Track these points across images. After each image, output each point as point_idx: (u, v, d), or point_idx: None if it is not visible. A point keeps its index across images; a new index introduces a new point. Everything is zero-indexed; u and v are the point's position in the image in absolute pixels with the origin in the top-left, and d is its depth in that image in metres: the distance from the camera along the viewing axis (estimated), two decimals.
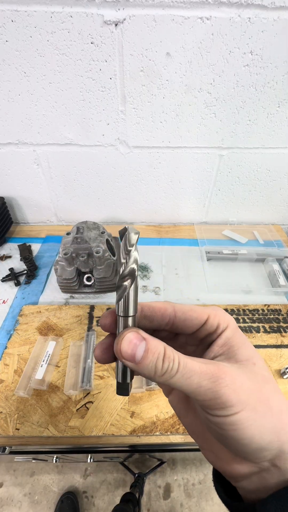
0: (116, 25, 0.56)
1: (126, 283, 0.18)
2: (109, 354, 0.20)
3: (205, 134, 0.73)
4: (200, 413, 0.20)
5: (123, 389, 0.20)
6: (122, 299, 0.18)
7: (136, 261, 0.18)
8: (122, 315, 0.19)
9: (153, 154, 0.77)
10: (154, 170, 0.81)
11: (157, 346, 0.17)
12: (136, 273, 0.18)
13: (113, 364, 0.60)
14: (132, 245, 0.18)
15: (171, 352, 0.17)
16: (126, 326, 0.19)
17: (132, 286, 0.18)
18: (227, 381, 0.17)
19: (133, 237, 0.18)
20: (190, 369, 0.17)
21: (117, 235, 0.83)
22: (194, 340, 0.22)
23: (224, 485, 0.21)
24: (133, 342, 0.17)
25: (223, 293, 0.74)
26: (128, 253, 0.18)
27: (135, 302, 0.19)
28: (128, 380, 0.20)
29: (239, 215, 0.94)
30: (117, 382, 0.20)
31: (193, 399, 0.19)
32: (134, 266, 0.18)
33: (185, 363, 0.17)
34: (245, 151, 0.77)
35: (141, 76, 0.63)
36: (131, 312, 0.19)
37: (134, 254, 0.18)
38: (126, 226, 0.19)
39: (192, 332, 0.21)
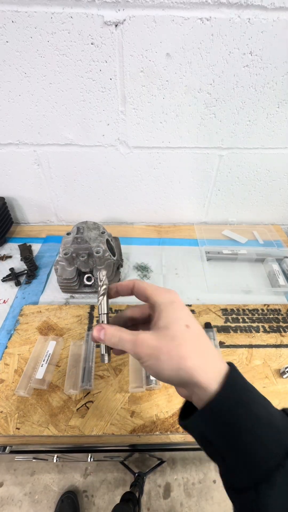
0: (116, 25, 0.56)
1: (100, 298, 0.33)
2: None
3: (205, 135, 0.73)
4: None
5: (102, 357, 0.32)
6: (99, 305, 0.32)
7: (105, 285, 0.33)
8: (100, 313, 0.32)
9: (153, 154, 0.77)
10: (154, 170, 0.81)
11: (111, 331, 0.29)
12: (105, 292, 0.33)
13: (114, 363, 0.60)
14: (101, 280, 0.34)
15: (116, 332, 0.29)
16: (103, 320, 0.32)
17: (104, 299, 0.33)
18: (138, 344, 0.27)
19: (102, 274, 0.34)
20: (123, 339, 0.28)
21: (117, 235, 0.83)
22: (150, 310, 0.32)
23: (183, 413, 0.29)
24: (97, 330, 0.30)
25: (223, 293, 0.75)
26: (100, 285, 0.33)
27: (106, 306, 0.32)
28: (104, 352, 0.32)
29: (239, 215, 0.95)
30: (100, 354, 0.32)
31: None
32: (104, 288, 0.33)
33: (121, 337, 0.28)
34: (244, 152, 0.77)
35: (141, 77, 0.63)
36: (104, 311, 0.32)
37: (103, 284, 0.33)
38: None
39: (146, 303, 0.32)
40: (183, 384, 0.26)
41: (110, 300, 0.33)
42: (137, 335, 0.27)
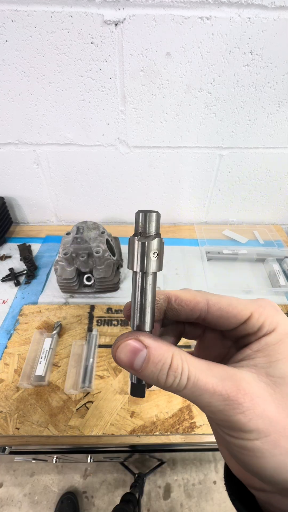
0: (116, 25, 0.56)
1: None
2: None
3: (205, 134, 0.73)
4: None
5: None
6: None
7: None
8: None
9: (153, 154, 0.77)
10: (154, 170, 0.80)
11: (161, 356, 0.15)
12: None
13: (114, 363, 0.59)
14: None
15: (180, 362, 0.15)
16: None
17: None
18: (245, 407, 0.14)
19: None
20: (201, 387, 0.14)
21: (117, 235, 0.83)
22: (230, 337, 0.19)
23: (238, 492, 0.19)
24: (130, 350, 0.15)
25: (223, 293, 0.74)
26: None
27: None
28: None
29: (239, 215, 0.94)
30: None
31: None
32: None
33: (196, 378, 0.14)
34: (245, 151, 0.77)
35: (141, 76, 0.63)
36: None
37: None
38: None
39: (228, 330, 0.18)
40: (283, 490, 0.15)
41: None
42: (236, 383, 0.15)
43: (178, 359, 0.15)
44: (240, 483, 0.18)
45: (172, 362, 0.15)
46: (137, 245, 0.16)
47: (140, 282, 0.16)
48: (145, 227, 0.16)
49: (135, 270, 0.16)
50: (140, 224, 0.16)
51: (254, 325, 0.17)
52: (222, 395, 0.14)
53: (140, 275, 0.16)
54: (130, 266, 0.16)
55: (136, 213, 0.17)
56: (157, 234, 0.16)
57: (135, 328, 0.17)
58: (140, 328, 0.17)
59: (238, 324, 0.17)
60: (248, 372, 0.15)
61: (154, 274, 0.16)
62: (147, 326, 0.17)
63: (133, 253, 0.16)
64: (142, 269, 0.16)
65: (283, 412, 0.14)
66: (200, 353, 0.18)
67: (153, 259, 0.16)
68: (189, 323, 0.20)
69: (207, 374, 0.15)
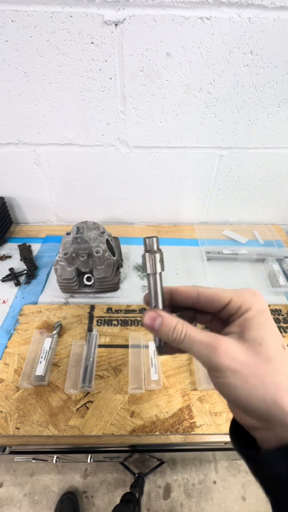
0: (116, 25, 0.56)
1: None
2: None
3: (205, 134, 0.73)
4: None
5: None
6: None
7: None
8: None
9: (153, 154, 0.77)
10: (154, 170, 0.81)
11: (170, 321, 0.23)
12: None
13: (114, 363, 0.60)
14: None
15: (181, 326, 0.23)
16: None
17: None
18: (220, 351, 0.21)
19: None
20: (193, 340, 0.22)
21: (117, 235, 0.83)
22: (221, 317, 0.25)
23: (239, 436, 0.24)
24: (151, 317, 0.24)
25: None
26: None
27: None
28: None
29: (239, 215, 0.95)
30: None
31: None
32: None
33: (189, 335, 0.22)
34: (245, 151, 0.77)
35: (141, 76, 0.63)
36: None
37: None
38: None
39: (216, 311, 0.25)
40: (263, 418, 0.20)
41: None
42: (216, 338, 0.21)
43: (180, 325, 0.23)
44: (243, 432, 0.23)
45: (176, 326, 0.23)
46: (148, 257, 0.26)
47: (152, 279, 0.26)
48: (151, 246, 0.26)
49: (148, 272, 0.26)
50: (147, 244, 0.26)
51: (234, 306, 0.23)
52: (205, 344, 0.21)
53: (152, 275, 0.26)
54: (145, 270, 0.26)
55: (144, 239, 0.26)
56: (159, 250, 0.26)
57: (152, 307, 0.26)
58: (156, 307, 0.26)
59: (221, 307, 0.24)
60: (229, 337, 0.22)
61: (160, 274, 0.26)
62: (160, 305, 0.26)
63: (146, 262, 0.26)
64: (152, 271, 0.26)
65: (251, 359, 0.21)
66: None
67: (158, 264, 0.26)
68: (199, 311, 0.27)
69: (198, 334, 0.22)
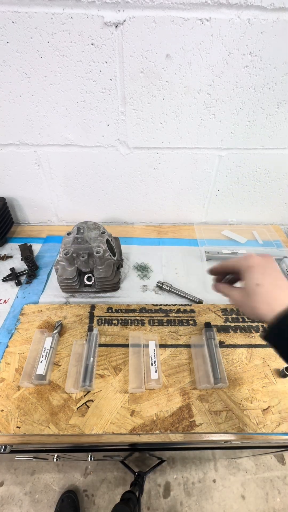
0: (116, 26, 0.56)
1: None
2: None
3: (204, 135, 0.73)
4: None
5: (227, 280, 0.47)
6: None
7: None
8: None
9: (153, 155, 0.77)
10: (154, 171, 0.81)
11: (220, 287, 0.45)
12: None
13: (114, 362, 0.60)
14: None
15: (224, 289, 0.44)
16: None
17: None
18: (230, 297, 0.43)
19: None
20: (230, 294, 0.43)
21: (117, 235, 0.83)
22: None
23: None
24: (216, 287, 0.46)
25: None
26: None
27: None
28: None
29: (238, 215, 0.95)
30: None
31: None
32: None
33: (229, 292, 0.43)
34: (244, 152, 0.77)
35: (141, 77, 0.63)
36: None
37: None
38: None
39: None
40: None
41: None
42: (231, 290, 0.42)
43: (223, 287, 0.44)
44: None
45: (221, 289, 0.45)
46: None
47: None
48: None
49: None
50: None
51: (238, 269, 0.42)
52: (232, 298, 0.42)
53: None
54: None
55: None
56: None
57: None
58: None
59: (235, 271, 0.43)
60: (237, 288, 0.42)
61: None
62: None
63: None
64: None
65: (241, 296, 0.41)
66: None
67: None
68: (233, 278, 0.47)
69: (232, 291, 0.42)
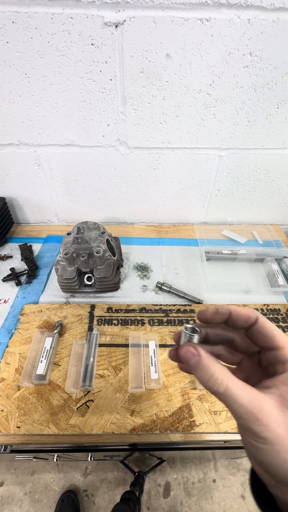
0: (116, 26, 0.56)
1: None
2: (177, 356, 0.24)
3: (204, 135, 0.73)
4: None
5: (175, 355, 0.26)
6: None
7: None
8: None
9: (153, 155, 0.77)
10: (154, 171, 0.81)
11: (209, 366, 0.20)
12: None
13: (114, 362, 0.60)
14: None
15: (220, 376, 0.20)
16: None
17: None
18: (262, 423, 0.18)
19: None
20: (234, 398, 0.19)
21: (117, 235, 0.83)
22: (261, 361, 0.24)
23: (260, 490, 0.23)
24: (191, 352, 0.21)
25: (223, 293, 0.75)
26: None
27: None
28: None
29: (238, 215, 0.95)
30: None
31: None
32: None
33: (231, 391, 0.19)
34: (244, 152, 0.77)
35: (141, 78, 0.63)
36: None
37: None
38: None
39: (262, 350, 0.23)
40: (286, 484, 0.19)
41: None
42: (260, 406, 0.19)
43: (220, 372, 0.20)
44: (262, 488, 0.22)
45: (214, 374, 0.20)
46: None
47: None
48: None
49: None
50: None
51: (285, 356, 0.21)
52: (248, 410, 0.19)
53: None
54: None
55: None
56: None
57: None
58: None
59: (271, 347, 0.22)
60: (272, 399, 0.19)
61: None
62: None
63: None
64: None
65: None
66: (236, 375, 0.22)
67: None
68: (231, 348, 0.26)
69: (241, 392, 0.19)
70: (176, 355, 0.24)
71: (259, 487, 0.23)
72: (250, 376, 0.25)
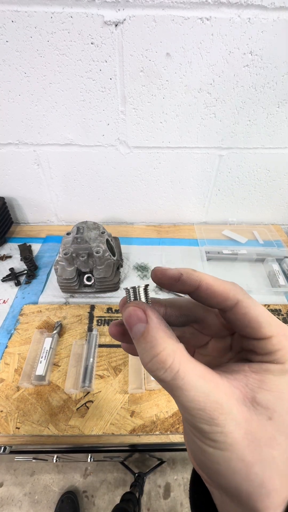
0: (116, 25, 0.56)
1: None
2: (120, 332, 0.19)
3: (205, 134, 0.73)
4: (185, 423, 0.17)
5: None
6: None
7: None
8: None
9: (153, 154, 0.77)
10: (154, 170, 0.81)
11: (157, 340, 0.15)
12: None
13: (114, 363, 0.60)
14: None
15: (170, 357, 0.14)
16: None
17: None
18: (218, 423, 0.14)
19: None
20: (185, 389, 0.14)
21: (117, 235, 0.83)
22: (233, 346, 0.19)
23: (199, 494, 0.19)
24: (134, 316, 0.16)
25: None
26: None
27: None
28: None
29: (239, 215, 0.95)
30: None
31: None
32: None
33: (183, 380, 0.14)
34: (244, 151, 0.77)
35: (141, 77, 0.63)
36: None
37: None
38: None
39: (245, 338, 0.17)
40: (235, 499, 0.15)
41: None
42: (218, 391, 0.14)
43: (170, 353, 0.15)
44: (203, 491, 0.18)
45: (162, 351, 0.15)
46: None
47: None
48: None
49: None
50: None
51: (267, 348, 0.16)
52: (201, 407, 0.14)
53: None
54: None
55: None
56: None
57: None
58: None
59: (252, 337, 0.17)
60: (237, 389, 0.15)
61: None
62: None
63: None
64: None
65: (246, 441, 0.14)
66: (196, 357, 0.18)
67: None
68: (195, 331, 0.20)
69: (197, 382, 0.14)
70: (119, 332, 0.19)
71: (198, 491, 0.18)
72: (214, 358, 0.20)
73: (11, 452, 0.59)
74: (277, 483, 0.14)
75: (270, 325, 0.16)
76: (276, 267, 0.79)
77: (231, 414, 0.14)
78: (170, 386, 0.14)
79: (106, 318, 0.68)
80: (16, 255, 0.83)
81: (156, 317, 0.16)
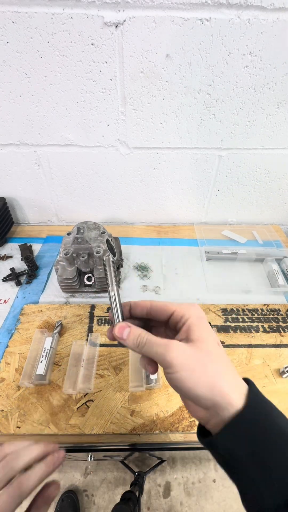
0: (116, 26, 0.56)
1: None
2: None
3: (204, 135, 0.73)
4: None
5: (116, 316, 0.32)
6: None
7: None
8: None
9: (153, 155, 0.77)
10: (154, 171, 0.81)
11: (136, 331, 0.28)
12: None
13: (114, 362, 0.60)
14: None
15: (143, 334, 0.28)
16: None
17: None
18: (171, 349, 0.26)
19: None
20: (152, 342, 0.27)
21: (117, 235, 0.83)
22: (171, 326, 0.31)
23: (204, 435, 0.28)
24: (122, 328, 0.29)
25: (223, 293, 0.75)
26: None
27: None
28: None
29: (238, 215, 0.95)
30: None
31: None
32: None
33: (149, 339, 0.27)
34: (244, 152, 0.77)
35: (141, 78, 0.63)
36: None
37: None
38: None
39: (164, 320, 0.30)
40: (209, 404, 0.25)
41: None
42: (169, 341, 0.26)
43: (143, 333, 0.28)
44: (206, 432, 0.28)
45: (140, 334, 0.28)
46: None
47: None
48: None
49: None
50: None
51: (178, 316, 0.29)
52: (161, 345, 0.26)
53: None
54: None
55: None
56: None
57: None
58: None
59: (168, 316, 0.30)
60: (177, 340, 0.27)
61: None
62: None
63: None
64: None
65: (198, 355, 0.26)
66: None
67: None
68: (154, 323, 0.33)
69: (156, 339, 0.27)
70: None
71: (203, 433, 0.28)
72: (168, 332, 0.32)
73: None
74: (216, 381, 0.25)
75: (171, 305, 0.29)
76: (275, 267, 0.79)
77: (179, 347, 0.26)
78: (147, 347, 0.27)
79: (107, 317, 0.68)
80: (17, 255, 0.83)
81: (131, 324, 0.29)
